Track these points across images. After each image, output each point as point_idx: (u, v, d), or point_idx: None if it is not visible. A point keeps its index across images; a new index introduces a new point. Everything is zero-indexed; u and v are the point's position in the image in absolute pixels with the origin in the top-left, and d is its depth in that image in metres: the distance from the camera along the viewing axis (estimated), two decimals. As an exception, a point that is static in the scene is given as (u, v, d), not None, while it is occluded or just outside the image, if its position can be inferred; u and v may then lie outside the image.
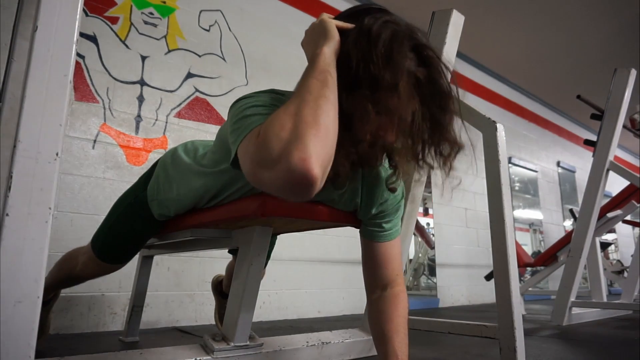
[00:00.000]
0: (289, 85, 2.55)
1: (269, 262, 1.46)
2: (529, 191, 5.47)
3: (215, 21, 2.70)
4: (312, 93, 0.65)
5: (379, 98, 0.70)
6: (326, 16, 0.81)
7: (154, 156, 2.28)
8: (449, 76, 0.77)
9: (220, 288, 1.70)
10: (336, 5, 3.51)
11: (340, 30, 0.78)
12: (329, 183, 0.73)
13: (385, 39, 0.71)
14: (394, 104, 0.70)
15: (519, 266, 3.17)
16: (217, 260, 2.33)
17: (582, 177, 6.09)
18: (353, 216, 1.02)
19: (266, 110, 0.73)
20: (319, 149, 0.59)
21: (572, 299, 2.33)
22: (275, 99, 0.78)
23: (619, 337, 1.89)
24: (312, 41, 0.78)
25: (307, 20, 3.25)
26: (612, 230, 6.57)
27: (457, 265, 3.96)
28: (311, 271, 2.74)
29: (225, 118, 2.89)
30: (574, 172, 6.31)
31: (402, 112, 0.71)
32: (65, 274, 1.36)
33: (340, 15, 0.85)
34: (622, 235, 6.89)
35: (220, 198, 1.00)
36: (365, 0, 3.74)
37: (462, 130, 0.82)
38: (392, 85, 0.69)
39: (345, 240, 2.93)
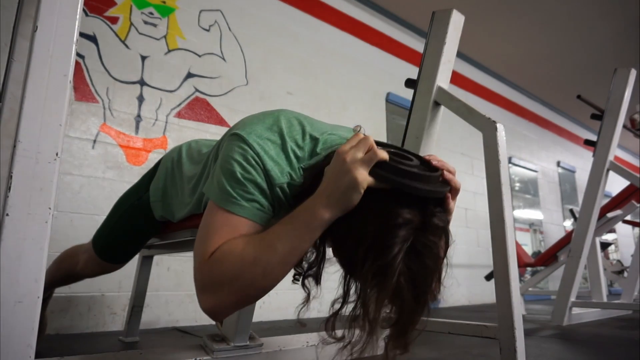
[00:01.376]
0: (289, 86, 2.55)
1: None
2: (529, 191, 5.47)
3: (215, 21, 2.70)
4: (266, 267, 0.68)
5: (371, 281, 0.65)
6: (366, 163, 0.64)
7: (154, 156, 2.28)
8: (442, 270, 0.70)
9: (220, 288, 1.70)
10: (336, 5, 3.51)
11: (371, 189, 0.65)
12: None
13: (397, 251, 0.62)
14: (382, 296, 0.65)
15: (519, 266, 3.17)
16: (217, 260, 2.33)
17: (582, 177, 6.10)
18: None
19: (242, 193, 0.73)
20: (233, 308, 0.73)
21: (572, 299, 2.33)
22: (266, 156, 0.74)
23: (619, 337, 1.89)
24: (330, 185, 0.66)
25: (307, 20, 3.26)
26: (612, 230, 6.57)
27: (457, 265, 3.96)
28: (311, 271, 2.73)
29: (226, 118, 2.90)
30: (574, 172, 6.31)
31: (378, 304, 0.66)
32: (65, 272, 1.36)
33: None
34: (622, 235, 6.89)
35: None
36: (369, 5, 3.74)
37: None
38: (389, 283, 0.63)
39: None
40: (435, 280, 0.69)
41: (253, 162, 0.74)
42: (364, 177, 0.63)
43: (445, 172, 0.70)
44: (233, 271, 0.68)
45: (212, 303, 0.70)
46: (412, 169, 0.66)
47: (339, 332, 0.74)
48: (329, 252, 0.75)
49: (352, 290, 0.71)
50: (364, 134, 0.72)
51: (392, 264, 0.62)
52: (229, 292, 0.69)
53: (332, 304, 0.73)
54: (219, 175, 0.75)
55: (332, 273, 0.77)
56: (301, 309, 0.77)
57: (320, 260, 0.75)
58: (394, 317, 0.70)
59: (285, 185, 0.76)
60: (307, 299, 0.78)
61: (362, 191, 0.64)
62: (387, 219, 0.63)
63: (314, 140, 0.81)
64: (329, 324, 0.74)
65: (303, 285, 0.77)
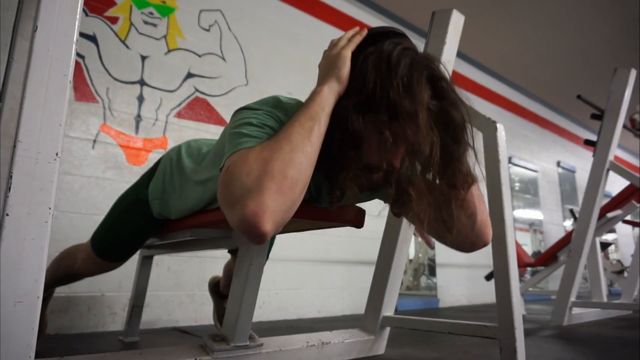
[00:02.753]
0: (289, 86, 2.56)
1: (268, 261, 1.46)
2: (529, 191, 5.47)
3: (215, 21, 2.70)
4: (291, 142, 0.66)
5: (397, 126, 0.70)
6: (344, 42, 0.80)
7: (154, 156, 2.28)
8: (463, 108, 0.77)
9: (218, 289, 1.70)
10: (336, 5, 3.51)
11: (359, 50, 0.78)
12: (334, 202, 0.78)
13: (405, 66, 0.71)
14: (412, 134, 0.69)
15: (519, 266, 3.17)
16: (217, 260, 2.33)
17: (582, 177, 6.09)
18: (353, 217, 1.02)
19: (260, 132, 0.72)
20: (276, 204, 0.60)
21: (572, 299, 2.33)
22: (276, 117, 0.77)
23: (619, 337, 1.89)
24: (321, 70, 0.79)
25: (307, 20, 3.26)
26: (612, 230, 6.57)
27: (457, 265, 3.96)
28: (311, 271, 2.73)
29: (225, 118, 2.90)
30: (574, 172, 6.31)
31: (420, 143, 0.69)
32: (64, 272, 1.36)
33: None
34: (622, 235, 6.89)
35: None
36: (370, 6, 3.74)
37: (475, 164, 0.81)
38: (411, 115, 0.68)
39: (345, 240, 2.93)
40: (464, 118, 0.75)
41: (267, 116, 0.76)
42: (346, 46, 0.78)
43: None
44: (259, 156, 0.63)
45: (253, 201, 0.59)
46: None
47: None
48: None
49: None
50: None
51: (410, 66, 0.72)
52: (264, 177, 0.61)
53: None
54: (232, 134, 0.74)
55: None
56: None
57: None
58: (444, 166, 0.74)
59: None
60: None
61: (346, 57, 0.76)
62: (385, 50, 0.75)
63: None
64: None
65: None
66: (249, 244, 1.04)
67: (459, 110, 0.75)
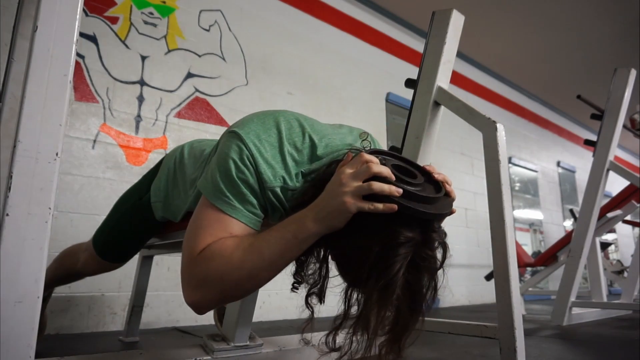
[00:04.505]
0: (289, 86, 2.55)
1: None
2: (529, 191, 5.47)
3: (215, 21, 2.70)
4: (250, 273, 0.71)
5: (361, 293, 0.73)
6: (359, 191, 0.66)
7: (154, 156, 2.28)
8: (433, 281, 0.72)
9: (218, 289, 1.70)
10: (336, 5, 3.51)
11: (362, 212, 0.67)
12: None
13: (403, 261, 0.65)
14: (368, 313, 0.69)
15: (519, 266, 3.17)
16: (217, 260, 2.33)
17: (582, 177, 6.10)
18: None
19: (235, 192, 0.75)
20: (215, 303, 0.75)
21: (572, 299, 2.33)
22: (255, 171, 0.75)
23: (619, 337, 1.89)
24: (321, 204, 0.69)
25: (307, 20, 3.26)
26: (612, 230, 6.57)
27: (457, 265, 3.95)
28: (311, 271, 2.73)
29: (226, 118, 2.90)
30: (574, 172, 6.31)
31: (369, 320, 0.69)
32: (65, 271, 1.36)
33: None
34: (622, 235, 6.89)
35: None
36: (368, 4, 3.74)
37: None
38: (388, 299, 0.67)
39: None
40: (431, 290, 0.72)
41: (247, 162, 0.75)
42: (352, 203, 0.66)
43: (447, 186, 0.73)
44: (219, 272, 0.70)
45: (196, 298, 0.72)
46: (417, 190, 0.68)
47: (338, 341, 0.77)
48: (332, 271, 0.78)
49: (354, 299, 0.75)
50: (369, 148, 0.77)
51: (394, 280, 0.65)
52: (213, 290, 0.72)
53: (334, 320, 0.76)
54: (214, 172, 0.76)
55: (332, 273, 0.78)
56: (304, 327, 0.80)
57: (324, 277, 0.77)
58: (389, 326, 0.72)
59: (277, 189, 0.77)
60: (311, 318, 0.80)
61: (350, 214, 0.67)
62: (390, 238, 0.65)
63: (314, 144, 0.81)
64: (329, 338, 0.76)
65: (307, 304, 0.80)
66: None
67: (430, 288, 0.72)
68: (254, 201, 0.76)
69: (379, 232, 0.66)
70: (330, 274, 0.78)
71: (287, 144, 0.78)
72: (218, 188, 0.75)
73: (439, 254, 0.71)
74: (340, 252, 0.73)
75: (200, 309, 0.74)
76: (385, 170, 0.67)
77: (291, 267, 0.78)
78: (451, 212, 0.71)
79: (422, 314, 0.74)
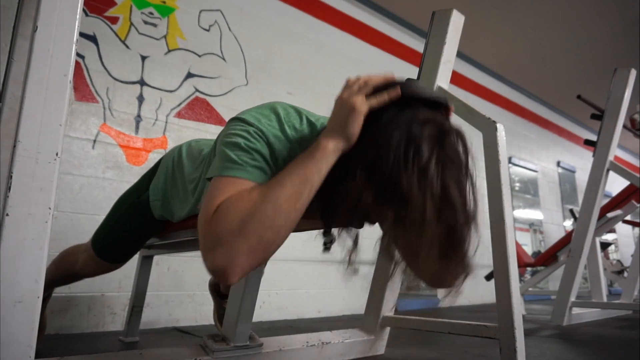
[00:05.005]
0: (289, 86, 2.56)
1: (268, 261, 1.46)
2: (529, 191, 5.47)
3: (215, 21, 2.70)
4: (276, 205, 0.63)
5: (401, 212, 0.63)
6: (364, 91, 0.69)
7: (154, 156, 2.28)
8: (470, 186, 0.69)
9: (218, 288, 1.70)
10: (336, 5, 3.51)
11: (378, 110, 0.69)
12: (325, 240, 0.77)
13: (427, 158, 0.63)
14: (413, 237, 0.63)
15: (519, 266, 3.17)
16: (217, 260, 2.33)
17: (582, 177, 6.09)
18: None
19: (247, 158, 0.70)
20: (245, 263, 0.63)
21: (572, 299, 2.33)
22: (266, 138, 0.74)
23: (619, 337, 1.89)
24: (333, 116, 0.71)
25: (307, 20, 3.26)
26: (612, 230, 6.57)
27: (457, 265, 3.95)
28: (311, 271, 2.73)
29: (226, 118, 2.90)
30: (574, 172, 6.31)
31: (416, 247, 0.64)
32: (64, 272, 1.36)
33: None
34: (622, 235, 6.89)
35: None
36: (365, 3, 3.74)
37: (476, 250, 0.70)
38: (419, 213, 0.61)
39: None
40: (470, 188, 0.68)
41: (256, 136, 0.73)
42: (360, 101, 0.68)
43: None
44: (241, 214, 0.63)
45: (224, 257, 0.62)
46: (411, 82, 0.72)
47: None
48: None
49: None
50: None
51: (431, 156, 0.62)
52: (240, 239, 0.62)
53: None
54: (221, 152, 0.73)
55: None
56: (350, 256, 0.77)
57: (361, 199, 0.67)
58: (442, 243, 0.64)
59: (287, 159, 0.76)
60: (355, 246, 0.77)
61: (361, 113, 0.67)
62: (410, 123, 0.65)
63: (311, 124, 0.82)
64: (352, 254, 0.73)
65: (346, 230, 0.76)
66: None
67: (466, 195, 0.68)
68: (267, 169, 0.73)
69: (396, 124, 0.65)
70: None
71: (287, 126, 0.79)
72: (228, 159, 0.70)
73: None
74: (366, 161, 0.66)
75: (230, 272, 0.62)
76: (376, 75, 0.72)
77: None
78: (449, 112, 0.74)
79: (473, 220, 0.67)
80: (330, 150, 0.67)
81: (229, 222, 0.63)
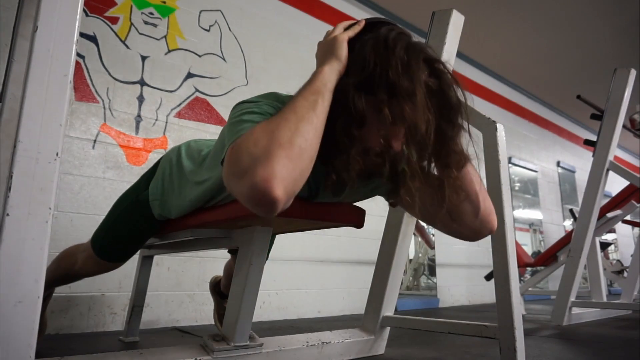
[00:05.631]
0: (289, 86, 2.56)
1: (268, 261, 1.46)
2: (529, 191, 5.47)
3: (215, 21, 2.70)
4: (296, 113, 0.67)
5: (395, 105, 0.71)
6: (340, 30, 0.83)
7: (154, 156, 2.28)
8: (458, 90, 0.79)
9: (219, 288, 1.70)
10: (336, 5, 3.51)
11: (356, 37, 0.81)
12: (329, 189, 0.77)
13: (402, 48, 0.74)
14: (410, 112, 0.70)
15: (519, 266, 3.17)
16: (217, 260, 2.33)
17: (582, 177, 6.09)
18: (353, 217, 1.02)
19: (261, 118, 0.74)
20: (286, 171, 0.60)
21: (572, 299, 2.33)
22: (275, 106, 0.79)
23: (619, 337, 1.89)
24: (320, 56, 0.81)
25: (307, 20, 3.26)
26: (612, 230, 6.57)
27: (457, 265, 3.96)
28: (311, 271, 2.74)
29: (226, 118, 2.89)
30: (574, 172, 6.31)
31: (417, 122, 0.71)
32: (64, 272, 1.36)
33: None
34: (622, 235, 6.89)
35: (218, 199, 1.00)
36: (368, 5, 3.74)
37: (469, 144, 0.83)
38: (409, 93, 0.70)
39: (345, 240, 2.93)
40: (459, 96, 0.79)
41: (267, 105, 0.78)
42: (342, 34, 0.81)
43: None
44: (266, 128, 0.64)
45: (262, 169, 0.58)
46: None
47: None
48: None
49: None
50: None
51: (406, 49, 0.74)
52: (272, 145, 0.60)
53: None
54: (232, 124, 0.76)
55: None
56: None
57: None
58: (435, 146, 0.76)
59: None
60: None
61: (343, 39, 0.79)
62: (383, 34, 0.77)
63: None
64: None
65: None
66: (249, 244, 1.04)
67: (454, 91, 0.78)
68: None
69: (375, 36, 0.77)
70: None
71: (278, 102, 0.82)
72: (238, 124, 0.73)
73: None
74: (363, 74, 0.74)
75: (273, 186, 0.58)
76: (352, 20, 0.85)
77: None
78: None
79: (462, 126, 0.79)
80: (328, 70, 0.75)
81: (256, 137, 0.62)
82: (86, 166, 2.07)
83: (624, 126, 2.64)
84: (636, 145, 7.21)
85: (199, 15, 2.64)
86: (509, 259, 1.13)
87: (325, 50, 0.80)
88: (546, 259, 3.29)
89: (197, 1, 2.64)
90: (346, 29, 0.83)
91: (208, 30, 2.66)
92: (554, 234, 5.41)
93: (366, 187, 0.98)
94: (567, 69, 5.06)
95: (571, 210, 3.68)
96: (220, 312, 1.66)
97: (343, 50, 0.78)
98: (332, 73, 0.75)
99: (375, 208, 1.15)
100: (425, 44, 0.80)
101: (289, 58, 3.05)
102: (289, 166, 0.60)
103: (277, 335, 1.28)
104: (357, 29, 0.82)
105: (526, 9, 3.95)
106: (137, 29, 2.36)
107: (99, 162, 2.11)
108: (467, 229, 0.86)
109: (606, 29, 4.25)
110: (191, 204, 1.05)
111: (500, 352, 1.09)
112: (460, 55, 3.83)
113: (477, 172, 0.86)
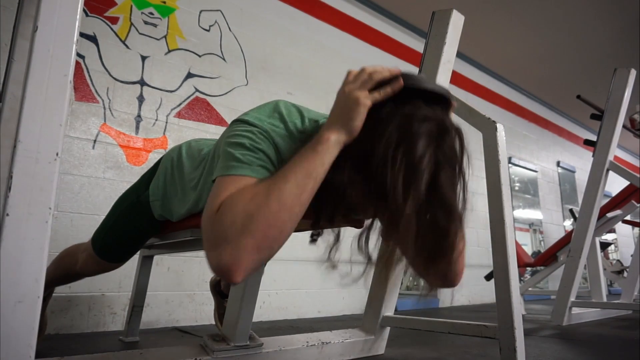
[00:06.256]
0: (289, 86, 2.55)
1: (268, 261, 1.46)
2: (529, 191, 5.47)
3: (215, 21, 2.70)
4: (280, 200, 0.63)
5: (384, 210, 0.65)
6: (366, 85, 0.68)
7: (154, 156, 2.28)
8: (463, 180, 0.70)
9: (219, 288, 1.70)
10: (336, 5, 3.51)
11: (381, 103, 0.68)
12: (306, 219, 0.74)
13: (425, 153, 0.63)
14: (397, 228, 0.64)
15: (519, 266, 3.17)
16: (217, 260, 2.32)
17: (582, 177, 6.09)
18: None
19: (252, 158, 0.70)
20: (250, 261, 0.61)
21: (572, 299, 2.33)
22: (270, 138, 0.74)
23: (619, 337, 1.89)
24: (334, 112, 0.70)
25: (307, 20, 3.26)
26: (612, 230, 6.57)
27: (457, 265, 3.95)
28: (311, 271, 2.73)
29: (226, 118, 2.90)
30: (574, 172, 6.31)
31: (403, 240, 0.65)
32: (64, 271, 1.37)
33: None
34: (622, 235, 6.89)
35: None
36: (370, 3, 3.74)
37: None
38: (401, 210, 0.62)
39: (345, 240, 2.93)
40: (462, 187, 0.69)
41: (261, 137, 0.73)
42: (364, 95, 0.67)
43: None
44: (246, 210, 0.62)
45: (229, 255, 0.61)
46: (414, 75, 0.71)
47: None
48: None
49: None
50: None
51: (423, 155, 0.62)
52: (246, 235, 0.61)
53: (361, 232, 0.72)
54: (225, 152, 0.73)
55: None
56: (330, 252, 0.78)
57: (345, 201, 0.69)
58: (428, 237, 0.66)
59: None
60: (337, 240, 0.78)
61: (365, 107, 0.66)
62: (408, 119, 0.64)
63: (315, 122, 0.81)
64: (361, 240, 0.72)
65: (315, 237, 0.76)
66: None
67: (452, 215, 0.67)
68: (272, 169, 0.72)
69: (396, 120, 0.64)
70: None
71: (290, 125, 0.79)
72: (233, 158, 0.70)
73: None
74: (358, 154, 0.67)
75: (236, 269, 0.61)
76: (381, 67, 0.69)
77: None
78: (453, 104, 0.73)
79: (460, 218, 0.68)
80: (332, 143, 0.67)
81: (234, 218, 0.62)
82: (86, 166, 2.07)
83: (624, 126, 2.64)
84: (636, 145, 7.21)
85: (199, 15, 2.64)
86: (509, 259, 1.13)
87: (341, 112, 0.68)
88: (546, 259, 3.29)
89: (197, 1, 2.64)
90: (376, 85, 0.69)
91: (208, 30, 2.66)
92: (554, 234, 5.41)
93: None
94: (567, 69, 5.06)
95: (571, 210, 3.68)
96: (220, 311, 1.65)
97: (359, 122, 0.67)
98: (336, 147, 0.67)
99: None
100: (448, 129, 0.67)
101: (289, 58, 3.05)
102: (256, 256, 0.62)
103: (277, 335, 1.28)
104: (387, 92, 0.67)
105: (526, 9, 3.95)
106: (137, 29, 2.36)
107: (98, 162, 2.11)
108: (432, 283, 0.82)
109: (606, 29, 4.25)
110: (188, 211, 1.05)
111: (500, 352, 1.09)
112: (460, 55, 3.84)
113: (463, 230, 0.74)
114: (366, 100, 0.67)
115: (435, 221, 0.65)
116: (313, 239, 0.76)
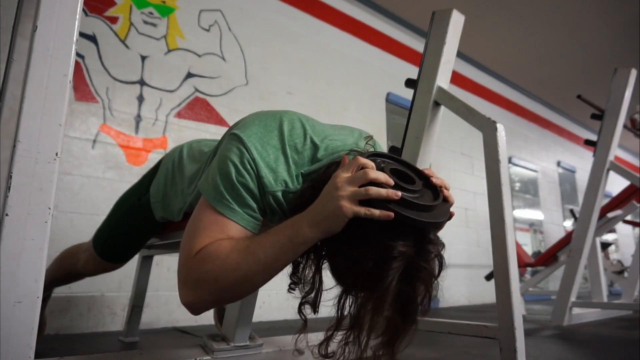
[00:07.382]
0: (289, 86, 2.55)
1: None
2: (529, 191, 5.47)
3: (215, 21, 2.70)
4: (246, 276, 0.70)
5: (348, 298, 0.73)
6: (355, 195, 0.65)
7: (153, 156, 2.28)
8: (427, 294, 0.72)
9: (220, 288, 1.70)
10: (336, 5, 3.51)
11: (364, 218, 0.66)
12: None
13: (394, 278, 0.65)
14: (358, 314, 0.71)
15: (519, 266, 3.16)
16: (217, 260, 2.33)
17: (582, 177, 6.10)
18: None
19: (235, 197, 0.74)
20: (209, 307, 0.77)
21: (573, 299, 2.33)
22: (257, 175, 0.74)
23: (619, 338, 1.89)
24: (317, 209, 0.68)
25: (307, 20, 3.26)
26: (613, 230, 6.57)
27: (457, 265, 3.95)
28: (311, 271, 2.73)
29: (225, 118, 2.90)
30: (574, 172, 6.31)
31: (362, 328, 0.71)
32: (65, 271, 1.37)
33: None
34: (622, 235, 6.89)
35: None
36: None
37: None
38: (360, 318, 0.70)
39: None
40: (426, 299, 0.72)
41: (248, 167, 0.74)
42: (350, 209, 0.64)
43: (445, 191, 0.72)
44: (214, 274, 0.71)
45: (191, 299, 0.74)
46: (414, 197, 0.66)
47: (331, 348, 0.78)
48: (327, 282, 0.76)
49: (347, 307, 0.74)
50: (369, 151, 0.75)
51: (387, 290, 0.65)
52: (208, 291, 0.73)
53: (326, 331, 0.76)
54: (215, 174, 0.76)
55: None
56: (297, 337, 0.79)
57: (318, 287, 0.75)
58: (382, 332, 0.72)
59: (278, 193, 0.76)
60: (304, 327, 0.79)
61: (345, 221, 0.65)
62: (384, 251, 0.64)
63: (315, 145, 0.80)
64: (322, 347, 0.77)
65: (300, 312, 0.78)
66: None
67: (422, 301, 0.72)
68: (254, 205, 0.75)
69: (374, 243, 0.65)
70: (325, 285, 0.76)
71: (288, 147, 0.78)
72: (218, 190, 0.74)
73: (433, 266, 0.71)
74: (335, 258, 0.72)
75: (195, 310, 0.75)
76: (383, 176, 0.65)
77: (289, 268, 0.77)
78: (449, 218, 0.70)
79: (416, 322, 0.74)
80: (309, 239, 0.69)
81: (205, 273, 0.71)
82: (86, 166, 2.07)
83: (625, 126, 2.64)
84: (636, 145, 7.21)
85: (199, 15, 2.64)
86: (509, 259, 1.12)
87: (323, 210, 0.66)
88: (546, 259, 3.29)
89: (197, 1, 2.64)
90: (363, 200, 0.64)
91: (208, 30, 2.66)
92: (554, 234, 5.41)
93: None
94: (567, 69, 5.06)
95: (571, 210, 3.68)
96: (220, 312, 1.65)
97: (337, 230, 0.66)
98: (311, 242, 0.69)
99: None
100: (425, 251, 0.67)
101: (289, 58, 3.05)
102: (214, 305, 0.79)
103: (277, 335, 1.28)
104: (374, 216, 0.63)
105: (526, 9, 3.95)
106: (136, 29, 2.36)
107: (98, 162, 2.11)
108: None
109: (606, 29, 4.25)
110: (190, 207, 1.05)
111: (500, 352, 1.09)
112: (460, 55, 3.84)
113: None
114: (349, 212, 0.64)
115: (392, 319, 0.71)
116: (291, 288, 0.79)
